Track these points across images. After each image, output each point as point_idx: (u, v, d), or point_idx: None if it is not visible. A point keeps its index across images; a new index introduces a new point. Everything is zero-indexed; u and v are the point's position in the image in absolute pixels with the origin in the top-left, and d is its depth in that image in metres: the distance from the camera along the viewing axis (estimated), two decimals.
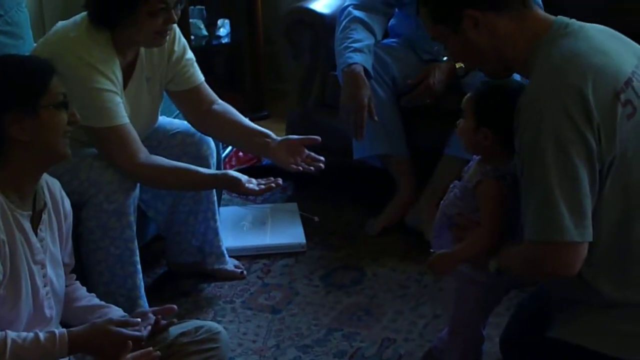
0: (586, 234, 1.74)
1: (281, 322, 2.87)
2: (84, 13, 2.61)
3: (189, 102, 2.89)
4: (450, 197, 2.17)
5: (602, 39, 1.87)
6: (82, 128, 2.53)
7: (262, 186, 2.61)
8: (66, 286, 2.18)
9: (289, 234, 3.37)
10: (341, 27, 3.37)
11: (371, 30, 3.36)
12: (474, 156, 2.17)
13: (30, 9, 3.30)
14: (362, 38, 3.30)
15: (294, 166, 2.76)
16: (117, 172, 2.57)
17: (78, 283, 2.29)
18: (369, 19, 3.37)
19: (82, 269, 2.53)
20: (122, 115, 2.58)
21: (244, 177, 2.61)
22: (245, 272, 3.14)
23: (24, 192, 1.97)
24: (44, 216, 2.03)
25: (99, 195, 2.54)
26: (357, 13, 3.38)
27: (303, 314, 2.92)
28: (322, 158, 2.81)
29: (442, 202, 2.21)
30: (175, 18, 2.58)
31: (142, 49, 2.71)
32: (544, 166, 1.75)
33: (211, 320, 2.75)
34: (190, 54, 2.85)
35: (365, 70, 3.21)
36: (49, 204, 2.06)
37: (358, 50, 3.25)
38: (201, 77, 2.89)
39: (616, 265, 1.81)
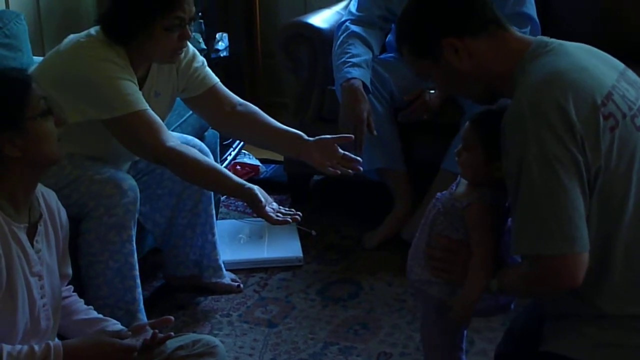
0: (577, 245, 1.76)
1: (278, 336, 2.88)
2: (97, 27, 2.61)
3: (209, 106, 2.88)
4: (434, 212, 2.15)
5: (582, 55, 1.90)
6: (104, 123, 2.54)
7: (280, 216, 2.50)
8: (64, 298, 2.18)
9: (286, 247, 3.37)
10: (339, 42, 3.38)
11: (369, 45, 3.37)
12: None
13: (28, 21, 3.31)
14: (360, 53, 3.32)
15: (332, 169, 2.71)
16: (117, 185, 2.56)
17: (76, 295, 2.28)
18: (367, 34, 3.38)
19: (80, 282, 2.53)
20: (144, 101, 2.57)
21: (266, 199, 2.52)
22: (242, 286, 3.15)
23: (19, 203, 1.97)
24: (40, 227, 2.02)
25: (100, 208, 2.54)
26: (354, 28, 3.39)
27: (300, 328, 2.92)
28: (359, 158, 2.75)
29: (425, 216, 2.18)
30: (190, 34, 2.59)
31: (154, 64, 2.72)
32: (532, 182, 1.76)
33: (208, 334, 2.76)
34: (200, 59, 2.84)
35: (364, 84, 3.23)
36: (45, 215, 2.06)
37: (356, 65, 3.27)
38: (215, 79, 2.87)
39: (602, 276, 1.82)
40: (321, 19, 3.68)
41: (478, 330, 2.79)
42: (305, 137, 2.80)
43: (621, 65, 1.96)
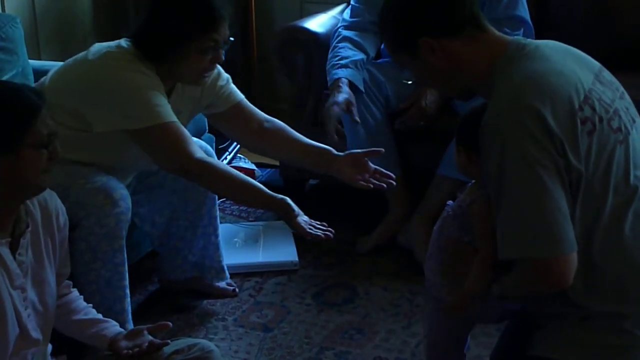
0: (565, 246, 1.77)
1: (273, 341, 2.87)
2: (127, 40, 2.58)
3: (234, 122, 2.85)
4: (444, 217, 2.16)
5: (558, 58, 1.90)
6: (130, 134, 2.51)
7: (313, 229, 2.48)
8: (63, 296, 2.18)
9: (282, 252, 3.37)
10: (331, 48, 3.41)
11: (360, 47, 3.38)
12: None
13: (24, 24, 3.31)
14: (348, 55, 3.34)
15: (363, 183, 2.66)
16: (109, 195, 2.52)
17: (75, 292, 2.26)
18: (360, 37, 3.40)
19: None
20: (172, 114, 2.54)
21: (298, 210, 2.51)
22: (237, 290, 3.14)
23: (1, 219, 1.92)
24: (23, 240, 1.98)
25: (90, 218, 2.50)
26: (346, 33, 3.42)
27: (295, 333, 2.92)
28: (392, 174, 2.70)
29: (436, 224, 2.20)
30: (222, 58, 2.57)
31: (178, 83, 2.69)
32: (515, 186, 1.77)
33: (203, 338, 2.75)
34: (225, 76, 2.82)
35: (352, 84, 3.23)
36: (37, 222, 2.02)
37: (343, 66, 3.29)
38: (240, 95, 2.85)
39: (585, 275, 1.84)
40: (317, 24, 3.68)
41: (474, 335, 2.77)
42: (335, 151, 2.77)
43: (597, 66, 1.97)
